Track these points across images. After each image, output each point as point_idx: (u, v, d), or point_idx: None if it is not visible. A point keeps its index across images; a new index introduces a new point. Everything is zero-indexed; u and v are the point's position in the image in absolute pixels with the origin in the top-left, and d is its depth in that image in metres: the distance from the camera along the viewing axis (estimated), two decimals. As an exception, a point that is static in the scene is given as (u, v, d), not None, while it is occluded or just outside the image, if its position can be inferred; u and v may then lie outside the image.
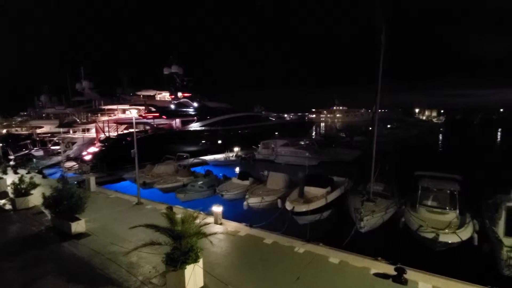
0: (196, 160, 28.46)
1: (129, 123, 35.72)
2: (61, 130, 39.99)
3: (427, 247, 10.42)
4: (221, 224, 11.59)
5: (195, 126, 41.47)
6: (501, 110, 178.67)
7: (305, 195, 14.62)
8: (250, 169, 23.69)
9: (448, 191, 12.72)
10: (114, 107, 40.65)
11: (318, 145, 34.02)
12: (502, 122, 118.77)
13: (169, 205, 13.44)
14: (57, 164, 27.53)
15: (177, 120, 40.68)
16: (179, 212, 11.19)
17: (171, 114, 40.66)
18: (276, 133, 45.91)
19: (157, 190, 19.02)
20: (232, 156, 32.82)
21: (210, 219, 11.54)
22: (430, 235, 10.21)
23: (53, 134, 40.60)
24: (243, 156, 33.01)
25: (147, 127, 37.18)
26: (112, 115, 40.39)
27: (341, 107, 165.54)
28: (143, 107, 39.19)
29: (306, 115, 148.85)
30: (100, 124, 34.64)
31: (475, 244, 10.40)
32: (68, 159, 28.52)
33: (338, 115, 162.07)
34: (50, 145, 36.86)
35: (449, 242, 9.99)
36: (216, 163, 30.50)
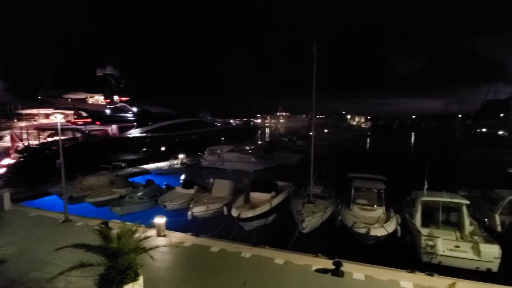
0: (135, 170, 26.51)
1: (54, 130, 31.57)
2: (-36, 138, 33.33)
3: (360, 241, 11.47)
4: (164, 236, 11.02)
5: (135, 132, 38.68)
6: (413, 116, 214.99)
7: (251, 200, 14.77)
8: (196, 176, 22.95)
9: (376, 190, 14.15)
10: (35, 111, 35.50)
11: (263, 150, 34.86)
12: (414, 127, 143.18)
13: (104, 220, 12.24)
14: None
15: (114, 126, 37.36)
16: (116, 226, 10.29)
17: (106, 120, 37.21)
18: (222, 138, 45.66)
19: (89, 205, 17.14)
20: (177, 164, 31.44)
21: (152, 232, 10.91)
22: (363, 230, 11.24)
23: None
24: (188, 163, 31.88)
25: (78, 134, 33.38)
26: (32, 120, 35.24)
27: (284, 113, 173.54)
28: (72, 112, 35.13)
29: (251, 120, 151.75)
30: (17, 131, 29.91)
31: (398, 236, 11.72)
32: (-26, 173, 23.94)
33: (281, 120, 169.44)
34: None
35: (379, 235, 11.13)
36: (159, 172, 28.81)
